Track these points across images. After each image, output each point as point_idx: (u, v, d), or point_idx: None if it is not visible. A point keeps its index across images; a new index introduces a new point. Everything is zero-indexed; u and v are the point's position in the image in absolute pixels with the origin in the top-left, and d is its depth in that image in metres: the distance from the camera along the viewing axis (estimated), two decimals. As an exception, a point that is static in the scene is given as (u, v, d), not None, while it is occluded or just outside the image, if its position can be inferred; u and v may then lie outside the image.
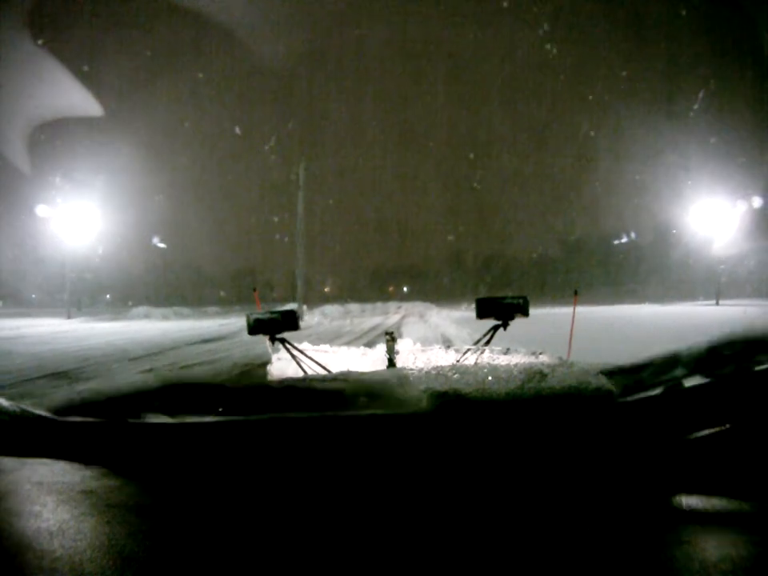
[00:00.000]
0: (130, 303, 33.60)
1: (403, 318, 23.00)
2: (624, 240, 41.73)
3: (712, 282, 29.26)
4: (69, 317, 26.13)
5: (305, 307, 24.70)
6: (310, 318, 23.07)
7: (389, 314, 29.01)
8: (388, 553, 0.48)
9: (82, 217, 26.97)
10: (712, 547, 0.48)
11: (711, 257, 29.50)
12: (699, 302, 26.46)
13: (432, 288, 57.02)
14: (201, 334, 14.32)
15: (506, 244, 66.07)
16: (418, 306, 32.93)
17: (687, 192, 31.58)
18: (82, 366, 8.65)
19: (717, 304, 25.19)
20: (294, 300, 26.79)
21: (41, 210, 25.39)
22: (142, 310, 29.81)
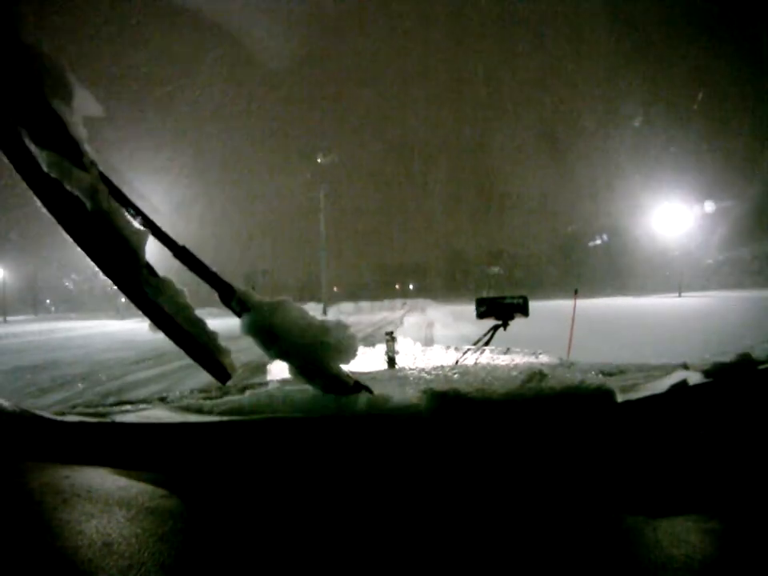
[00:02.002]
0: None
1: (406, 313, 27.20)
2: (598, 242, 45.33)
3: (691, 277, 33.31)
4: (122, 318, 30.90)
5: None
6: (332, 314, 27.99)
7: (395, 310, 33.33)
8: (387, 554, 0.48)
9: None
10: (713, 547, 0.47)
11: (690, 255, 33.51)
12: (668, 294, 29.88)
13: (436, 285, 61.08)
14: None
15: (505, 243, 69.61)
16: (420, 303, 37.08)
17: (674, 198, 34.92)
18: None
19: (679, 296, 28.79)
20: (306, 299, 31.48)
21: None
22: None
